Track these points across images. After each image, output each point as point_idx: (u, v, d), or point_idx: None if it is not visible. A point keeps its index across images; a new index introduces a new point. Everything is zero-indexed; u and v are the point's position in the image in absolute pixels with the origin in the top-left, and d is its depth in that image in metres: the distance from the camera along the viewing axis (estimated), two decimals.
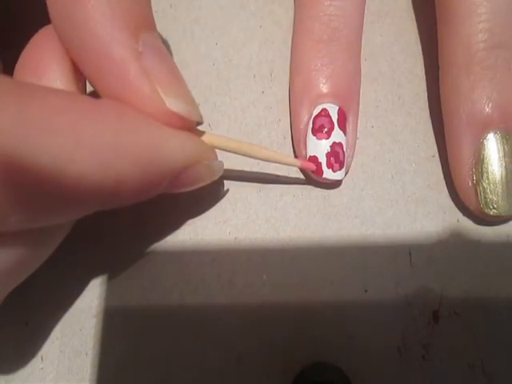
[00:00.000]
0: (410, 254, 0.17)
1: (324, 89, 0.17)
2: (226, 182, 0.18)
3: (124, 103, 0.12)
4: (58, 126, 0.10)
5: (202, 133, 0.15)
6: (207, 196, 0.18)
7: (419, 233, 0.18)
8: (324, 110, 0.17)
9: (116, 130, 0.11)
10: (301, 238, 0.18)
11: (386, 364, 0.17)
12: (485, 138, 0.16)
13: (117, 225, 0.18)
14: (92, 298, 0.17)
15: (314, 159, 0.17)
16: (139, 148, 0.12)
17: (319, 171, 0.17)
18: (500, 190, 0.16)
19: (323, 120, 0.17)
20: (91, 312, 0.17)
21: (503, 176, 0.16)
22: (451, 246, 0.17)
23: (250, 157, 0.16)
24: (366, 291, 0.17)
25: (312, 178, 0.18)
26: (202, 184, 0.15)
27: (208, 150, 0.15)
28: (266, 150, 0.16)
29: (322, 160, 0.17)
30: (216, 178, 0.16)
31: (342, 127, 0.17)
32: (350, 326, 0.17)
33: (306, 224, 0.18)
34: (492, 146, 0.16)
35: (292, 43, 0.19)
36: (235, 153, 0.15)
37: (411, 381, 0.17)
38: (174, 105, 0.13)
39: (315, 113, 0.17)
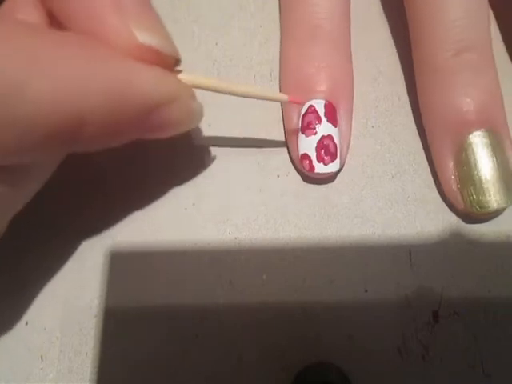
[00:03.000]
0: (409, 254, 0.17)
1: (310, 87, 0.17)
2: (226, 182, 0.18)
3: (92, 37, 0.12)
4: (14, 45, 0.10)
5: (178, 72, 0.14)
6: (207, 195, 0.18)
7: (419, 233, 0.18)
8: (310, 106, 0.17)
9: (79, 56, 0.11)
10: (301, 237, 0.18)
11: (386, 364, 0.17)
12: (462, 142, 0.17)
13: (117, 224, 0.18)
14: (92, 298, 0.17)
15: (305, 157, 0.17)
16: (106, 77, 0.11)
17: (311, 167, 0.17)
18: (481, 191, 0.16)
19: (311, 117, 0.17)
20: (91, 312, 0.17)
21: (482, 177, 0.16)
22: (451, 246, 0.17)
23: (232, 94, 0.15)
24: (366, 291, 0.17)
25: (308, 175, 0.18)
26: (180, 129, 0.14)
27: (185, 89, 0.14)
28: (249, 85, 0.15)
29: (312, 155, 0.17)
30: (195, 122, 0.15)
31: (332, 119, 0.17)
32: (349, 326, 0.17)
33: (306, 224, 0.18)
34: (469, 148, 0.16)
35: (280, 46, 0.19)
36: (216, 91, 0.14)
37: (411, 381, 0.17)
38: (146, 38, 0.12)
39: (303, 111, 0.17)
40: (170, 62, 0.13)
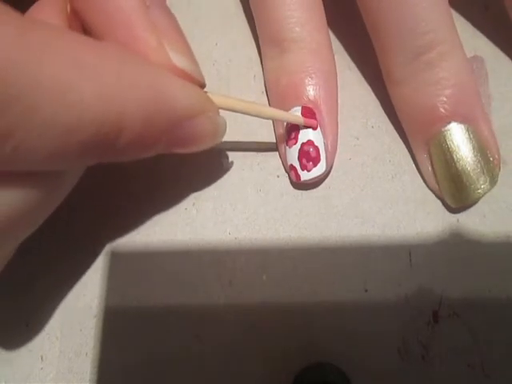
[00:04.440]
0: (409, 254, 0.17)
1: (287, 98, 0.18)
2: (226, 182, 0.18)
3: (129, 48, 0.12)
4: (59, 49, 0.10)
5: (205, 92, 0.14)
6: (207, 195, 0.18)
7: (419, 233, 0.18)
8: None
9: (120, 62, 0.11)
10: (301, 237, 0.18)
11: (386, 364, 0.17)
12: (431, 141, 0.17)
13: (117, 225, 0.18)
14: (92, 298, 0.17)
15: (291, 167, 0.17)
16: (143, 84, 0.11)
17: (297, 176, 0.17)
18: (460, 185, 0.17)
19: (291, 127, 0.17)
20: (91, 312, 0.17)
21: (457, 171, 0.17)
22: (451, 246, 0.17)
23: (253, 115, 0.16)
24: (366, 291, 0.17)
25: (298, 184, 0.18)
26: (206, 143, 0.14)
27: (212, 104, 0.14)
28: (268, 108, 0.16)
29: (296, 165, 0.17)
30: (220, 137, 0.15)
31: (311, 123, 0.17)
32: (350, 326, 0.17)
33: (306, 224, 0.18)
34: (438, 146, 0.17)
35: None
36: (237, 111, 0.15)
37: (411, 381, 0.17)
38: (178, 60, 0.13)
39: (285, 123, 0.18)
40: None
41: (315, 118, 0.17)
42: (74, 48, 0.10)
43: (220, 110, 0.15)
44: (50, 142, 0.10)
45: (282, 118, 0.17)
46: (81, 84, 0.10)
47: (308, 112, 0.17)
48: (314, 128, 0.17)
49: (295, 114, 0.17)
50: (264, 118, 0.17)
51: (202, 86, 0.14)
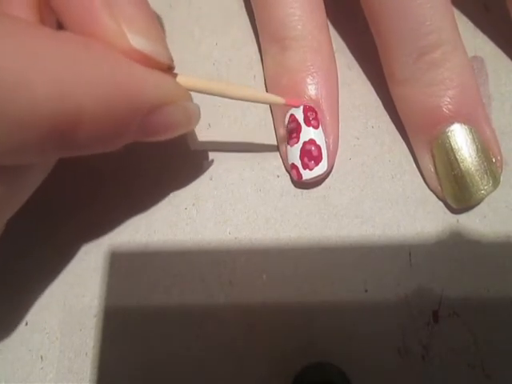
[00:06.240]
0: (409, 254, 0.17)
1: (289, 95, 0.17)
2: (226, 182, 0.18)
3: (89, 37, 0.11)
4: (12, 41, 0.10)
5: (175, 75, 0.14)
6: (207, 195, 0.18)
7: (419, 233, 0.18)
8: (291, 115, 0.17)
9: (76, 56, 0.11)
10: (301, 237, 0.18)
11: (386, 364, 0.17)
12: (433, 144, 0.17)
13: (117, 225, 0.18)
14: (92, 298, 0.17)
15: (292, 166, 0.17)
16: (103, 78, 0.11)
17: (298, 175, 0.17)
18: (463, 186, 0.17)
19: (292, 126, 0.17)
20: (91, 312, 0.17)
21: (459, 173, 0.17)
22: (451, 246, 0.17)
23: (227, 97, 0.15)
24: (366, 291, 0.17)
25: (300, 183, 0.18)
26: (178, 131, 0.14)
27: (183, 91, 0.14)
28: (246, 87, 0.15)
29: (298, 164, 0.17)
30: (193, 124, 0.15)
31: (312, 123, 0.17)
32: (349, 326, 0.17)
33: (306, 224, 0.18)
34: (440, 148, 0.17)
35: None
36: (211, 93, 0.14)
37: (411, 381, 0.17)
38: (139, 43, 0.12)
39: (286, 122, 0.18)
40: (162, 68, 0.13)
41: (316, 118, 0.17)
42: (28, 40, 0.10)
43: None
44: (3, 137, 0.10)
45: (260, 98, 0.16)
46: (33, 76, 0.10)
47: (309, 111, 0.17)
48: (297, 107, 0.17)
49: (275, 96, 0.16)
50: (241, 99, 0.15)
51: (172, 68, 0.14)
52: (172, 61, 0.13)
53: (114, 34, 0.12)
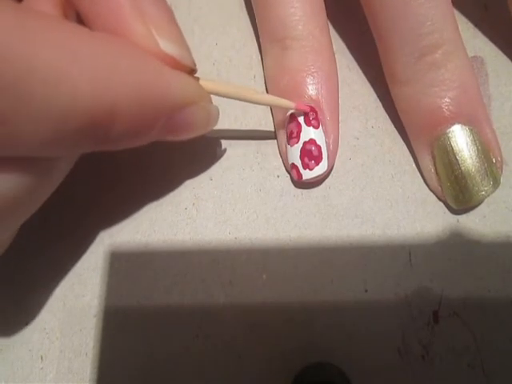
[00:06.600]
0: (409, 254, 0.17)
1: (290, 95, 0.17)
2: (226, 182, 0.18)
3: (121, 37, 0.12)
4: (55, 38, 0.10)
5: (196, 78, 0.15)
6: (207, 195, 0.18)
7: (419, 233, 0.18)
8: (291, 115, 0.17)
9: (113, 52, 0.11)
10: (301, 237, 0.18)
11: (386, 364, 0.17)
12: (434, 144, 0.17)
13: (117, 225, 0.18)
14: (92, 298, 0.17)
15: (293, 166, 0.17)
16: (137, 75, 0.12)
17: (298, 175, 0.17)
18: (463, 187, 0.17)
19: (292, 126, 0.17)
20: (91, 312, 0.17)
21: (460, 174, 0.17)
22: (451, 246, 0.17)
23: (243, 100, 0.16)
24: (366, 291, 0.17)
25: (300, 183, 0.18)
26: (199, 131, 0.15)
27: (205, 93, 0.15)
28: (262, 94, 0.16)
29: (298, 164, 0.17)
30: (212, 125, 0.15)
31: (312, 123, 0.17)
32: (349, 326, 0.17)
33: (306, 224, 0.18)
34: (440, 149, 0.17)
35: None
36: (229, 97, 0.15)
37: (411, 381, 0.17)
38: (167, 47, 0.13)
39: (286, 122, 0.18)
40: (186, 70, 0.14)
41: (317, 118, 0.17)
42: (69, 37, 0.10)
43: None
44: (44, 128, 0.10)
45: (274, 103, 0.17)
46: (75, 73, 0.10)
47: (310, 111, 0.17)
48: (307, 113, 0.17)
49: (286, 100, 0.17)
50: (256, 103, 0.17)
51: (194, 71, 0.14)
52: (195, 64, 0.14)
53: (143, 37, 0.12)
